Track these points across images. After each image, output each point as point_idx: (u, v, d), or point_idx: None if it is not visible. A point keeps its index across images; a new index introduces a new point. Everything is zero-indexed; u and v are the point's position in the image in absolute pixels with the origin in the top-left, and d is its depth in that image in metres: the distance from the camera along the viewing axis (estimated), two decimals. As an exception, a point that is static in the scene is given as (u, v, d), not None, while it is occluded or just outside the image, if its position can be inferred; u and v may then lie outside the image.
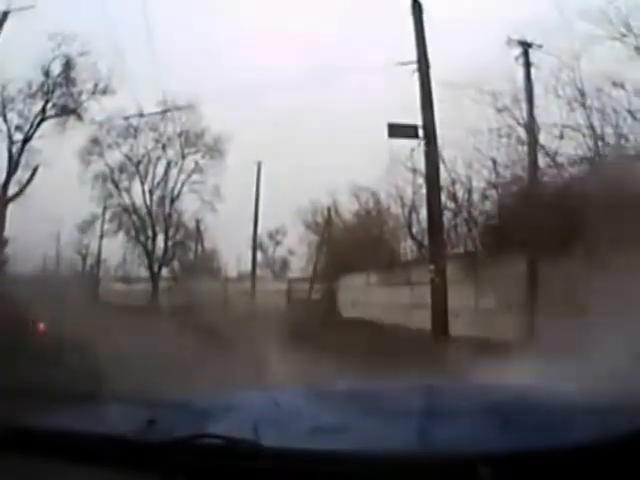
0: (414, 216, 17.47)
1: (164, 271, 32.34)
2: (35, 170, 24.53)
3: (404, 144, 12.45)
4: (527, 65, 11.16)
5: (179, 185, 31.51)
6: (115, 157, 31.00)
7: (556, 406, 1.59)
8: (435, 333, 11.14)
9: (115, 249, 33.61)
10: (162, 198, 31.42)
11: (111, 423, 1.57)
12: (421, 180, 13.90)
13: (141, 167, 31.22)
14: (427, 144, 11.59)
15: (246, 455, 1.05)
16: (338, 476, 1.00)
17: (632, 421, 1.34)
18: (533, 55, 11.21)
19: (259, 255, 34.06)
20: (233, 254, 35.75)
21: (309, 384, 2.38)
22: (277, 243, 40.76)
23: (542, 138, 10.76)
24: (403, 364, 7.24)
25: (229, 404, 1.82)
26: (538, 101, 10.92)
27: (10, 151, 23.97)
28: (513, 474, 1.00)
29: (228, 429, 1.24)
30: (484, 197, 12.81)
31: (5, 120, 23.95)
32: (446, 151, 13.35)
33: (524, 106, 11.07)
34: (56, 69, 24.32)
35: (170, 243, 31.82)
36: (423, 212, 14.56)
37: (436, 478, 1.00)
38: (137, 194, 31.55)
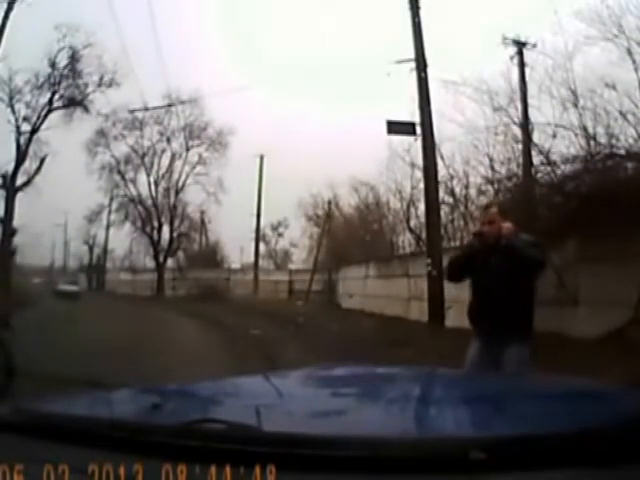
0: (412, 210, 17.83)
1: (169, 262, 32.72)
2: (43, 160, 24.83)
3: (403, 139, 12.60)
4: (521, 65, 11.30)
5: (183, 177, 31.90)
6: (121, 149, 31.47)
7: (549, 394, 1.63)
8: (432, 324, 11.35)
9: (121, 239, 34.08)
10: (167, 189, 31.79)
11: (115, 407, 1.59)
12: (420, 175, 14.14)
13: (146, 159, 31.62)
14: (425, 141, 11.76)
15: (248, 439, 1.07)
16: (337, 460, 1.02)
17: (624, 408, 1.40)
18: (527, 55, 11.36)
19: (262, 247, 34.43)
20: (236, 245, 36.18)
21: (310, 369, 2.41)
22: (279, 235, 41.21)
23: (536, 137, 10.94)
24: (401, 353, 7.54)
25: (232, 389, 1.85)
26: (532, 100, 11.13)
27: (18, 142, 24.21)
28: (505, 459, 1.01)
29: (231, 414, 1.25)
30: (480, 192, 12.99)
31: (13, 111, 24.18)
32: (444, 148, 13.63)
33: (519, 105, 11.27)
34: (62, 61, 24.53)
35: (175, 234, 32.16)
36: (421, 206, 14.87)
37: (429, 462, 1.01)
38: (143, 185, 31.97)
